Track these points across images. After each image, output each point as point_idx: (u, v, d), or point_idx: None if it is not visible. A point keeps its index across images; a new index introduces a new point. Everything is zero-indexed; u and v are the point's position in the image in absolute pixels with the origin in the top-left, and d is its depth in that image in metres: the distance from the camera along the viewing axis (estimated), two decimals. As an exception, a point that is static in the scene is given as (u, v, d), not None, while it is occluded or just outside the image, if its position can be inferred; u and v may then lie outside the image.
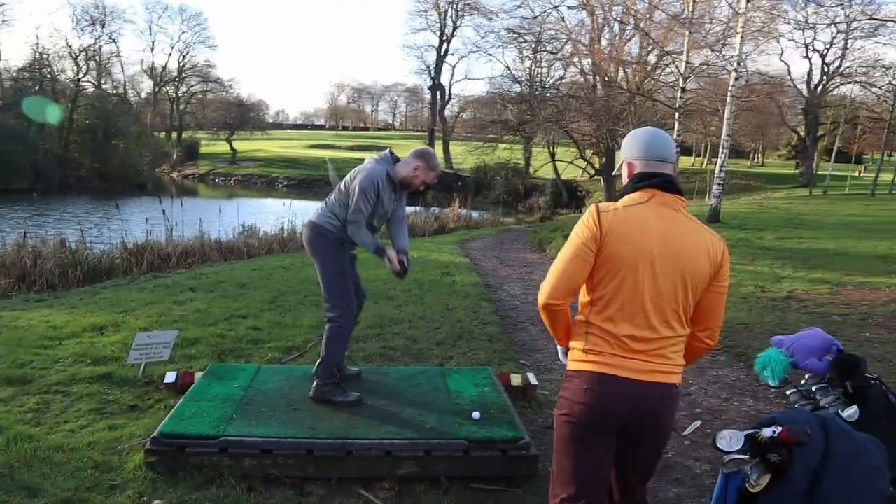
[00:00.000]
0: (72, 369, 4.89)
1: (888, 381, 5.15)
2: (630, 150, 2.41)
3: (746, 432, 2.23)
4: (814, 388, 2.91)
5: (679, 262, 2.20)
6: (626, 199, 2.31)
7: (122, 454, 3.60)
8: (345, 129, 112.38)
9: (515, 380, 4.75)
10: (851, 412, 2.69)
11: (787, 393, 3.03)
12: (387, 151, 4.14)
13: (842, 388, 2.83)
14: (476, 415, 3.85)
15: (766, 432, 2.20)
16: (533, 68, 37.04)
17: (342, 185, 4.07)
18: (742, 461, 2.23)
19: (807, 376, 2.98)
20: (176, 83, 67.07)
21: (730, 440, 2.19)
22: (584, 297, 2.30)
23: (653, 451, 2.35)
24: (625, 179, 2.40)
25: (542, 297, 2.30)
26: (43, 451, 3.55)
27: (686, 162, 51.00)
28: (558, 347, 2.51)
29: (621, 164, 2.45)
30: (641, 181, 2.31)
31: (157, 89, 66.67)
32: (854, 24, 29.81)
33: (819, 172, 35.81)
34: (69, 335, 5.87)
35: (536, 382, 4.83)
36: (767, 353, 2.98)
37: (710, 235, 2.30)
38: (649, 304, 2.19)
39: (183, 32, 66.91)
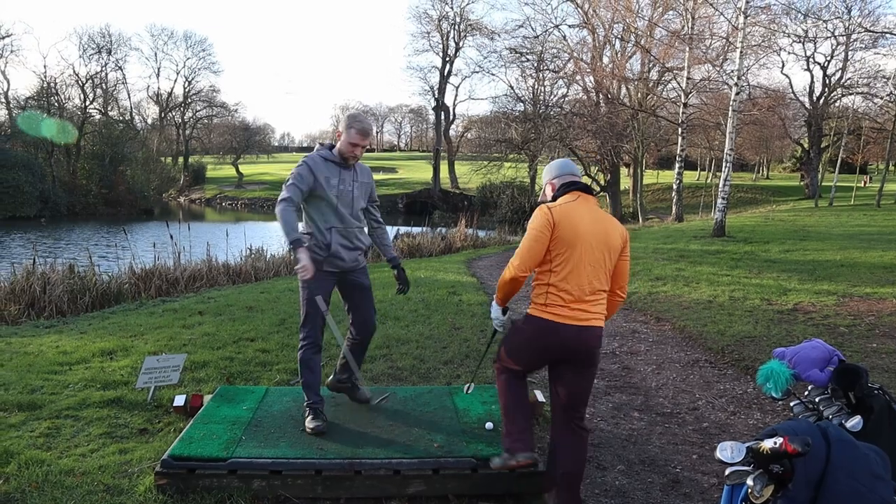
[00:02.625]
0: (82, 394, 4.94)
1: (895, 391, 5.16)
2: (549, 174, 3.48)
3: (748, 444, 2.25)
4: (817, 399, 2.93)
5: (604, 240, 3.19)
6: (561, 200, 3.29)
7: (133, 477, 3.63)
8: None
9: (522, 397, 4.77)
10: (855, 422, 2.70)
11: (791, 405, 3.04)
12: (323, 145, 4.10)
13: (845, 399, 2.84)
14: (489, 425, 3.92)
15: (768, 443, 2.22)
16: (536, 87, 37.30)
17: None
18: (744, 472, 2.25)
19: (810, 388, 2.99)
20: (182, 108, 67.81)
21: (731, 452, 2.21)
22: (542, 268, 3.21)
23: (588, 376, 3.27)
24: (549, 194, 3.43)
25: (513, 271, 3.22)
26: (54, 476, 3.59)
27: (691, 177, 51.05)
28: (498, 308, 3.44)
29: (544, 186, 3.50)
30: (568, 188, 3.33)
31: (163, 115, 67.39)
32: (854, 36, 29.92)
33: (824, 184, 35.77)
34: (79, 360, 5.92)
35: (544, 399, 4.84)
36: (769, 365, 3.00)
37: (617, 222, 3.33)
38: (588, 270, 3.16)
39: (188, 58, 67.97)
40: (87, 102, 52.90)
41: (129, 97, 66.18)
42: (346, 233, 4.02)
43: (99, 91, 56.32)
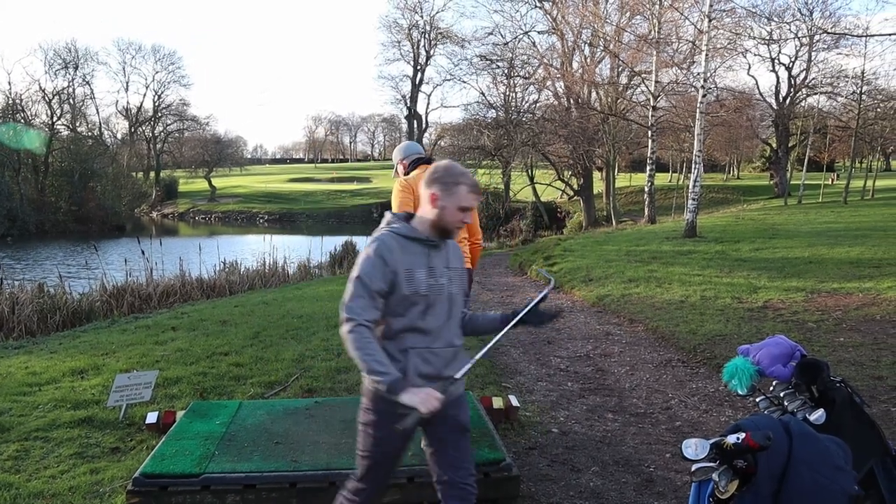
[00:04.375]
0: (51, 415, 4.87)
1: (862, 383, 5.28)
2: (399, 155, 4.37)
3: (712, 440, 2.29)
4: (781, 395, 2.98)
5: None
6: (414, 173, 4.11)
7: (104, 497, 3.59)
8: (324, 161, 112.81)
9: (497, 402, 4.79)
10: (818, 415, 2.75)
11: (757, 400, 3.09)
12: (396, 216, 2.69)
13: (808, 393, 2.89)
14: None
15: (731, 439, 2.26)
16: (507, 93, 37.49)
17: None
18: (710, 469, 2.29)
19: (774, 383, 3.05)
20: (152, 122, 67.15)
21: (695, 449, 2.25)
22: None
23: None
24: (401, 171, 4.22)
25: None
26: (23, 499, 3.53)
27: (663, 179, 51.54)
28: None
29: (396, 165, 4.35)
30: (416, 163, 4.24)
31: (132, 129, 66.65)
32: (816, 37, 30.52)
33: (793, 182, 36.39)
34: (48, 380, 5.84)
35: (518, 404, 4.87)
36: (734, 362, 3.05)
37: None
38: None
39: (157, 72, 67.14)
40: (55, 118, 52.16)
41: (98, 112, 65.48)
42: (434, 357, 2.59)
43: (66, 107, 55.57)
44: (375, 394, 2.54)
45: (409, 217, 2.66)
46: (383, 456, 2.63)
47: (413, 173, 4.16)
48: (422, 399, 2.35)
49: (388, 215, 2.71)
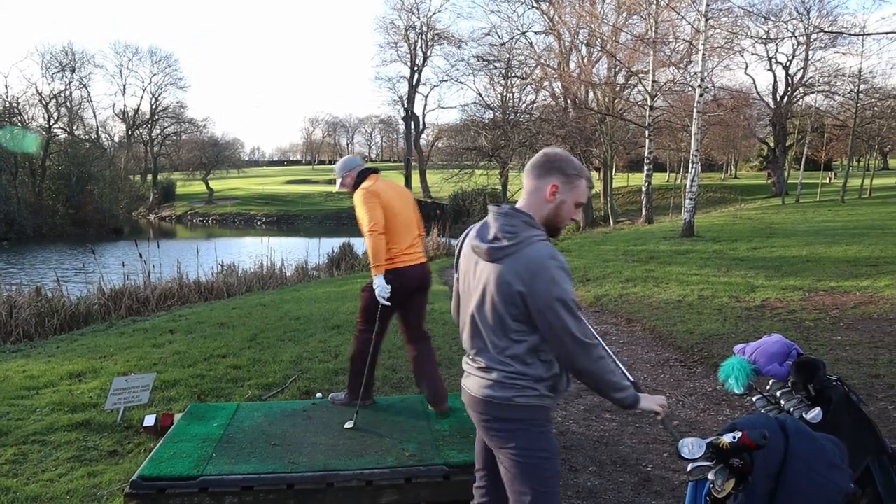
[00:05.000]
0: (49, 418, 4.86)
1: (859, 382, 5.28)
2: (342, 170, 4.43)
3: (708, 440, 2.30)
4: (778, 393, 2.98)
5: (409, 201, 4.42)
6: (367, 181, 4.29)
7: (102, 500, 3.59)
8: (321, 163, 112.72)
9: (495, 403, 4.79)
10: (814, 414, 2.76)
11: (754, 399, 3.10)
12: (506, 206, 2.34)
13: (804, 391, 2.90)
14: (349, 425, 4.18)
15: (727, 438, 2.27)
16: (504, 94, 37.59)
17: (494, 309, 2.27)
18: (706, 468, 2.29)
19: (770, 382, 3.05)
20: (149, 125, 67.09)
21: (691, 448, 2.26)
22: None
23: (424, 301, 4.53)
24: (350, 183, 4.39)
25: (371, 228, 4.09)
26: (21, 503, 3.53)
27: (660, 178, 51.65)
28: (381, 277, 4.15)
29: (342, 180, 4.43)
30: (366, 173, 4.37)
31: (130, 132, 66.62)
32: (813, 36, 30.58)
33: (791, 181, 36.46)
34: (46, 384, 5.83)
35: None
36: (730, 361, 3.05)
37: (404, 187, 4.54)
38: (405, 224, 4.30)
39: (154, 74, 67.18)
40: (52, 122, 52.13)
41: (95, 115, 65.55)
42: None
43: (63, 110, 55.53)
44: (548, 431, 2.39)
45: (521, 210, 2.30)
46: (557, 486, 2.46)
47: (366, 184, 4.29)
48: (658, 403, 2.41)
49: (501, 207, 2.34)
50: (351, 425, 4.12)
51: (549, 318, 2.16)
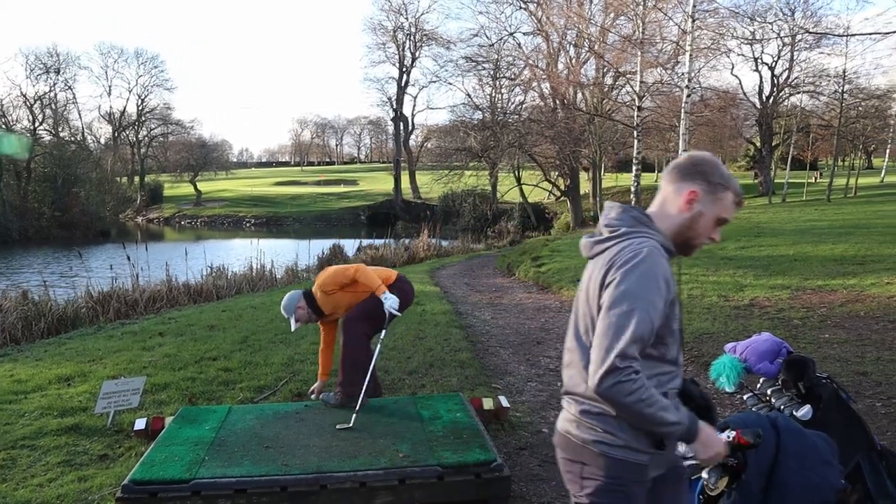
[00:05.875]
0: (38, 423, 4.82)
1: (847, 379, 5.33)
2: (289, 308, 4.64)
3: (701, 438, 2.30)
4: (768, 391, 3.01)
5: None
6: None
7: (93, 505, 3.57)
8: (310, 164, 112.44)
9: (487, 403, 4.81)
10: (805, 411, 2.79)
11: (745, 397, 3.12)
12: (637, 211, 1.99)
13: (794, 389, 2.93)
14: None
15: (722, 437, 2.28)
16: (493, 95, 37.60)
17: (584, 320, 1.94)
18: (699, 467, 2.31)
19: (761, 380, 3.08)
20: (135, 127, 66.65)
21: (685, 446, 2.26)
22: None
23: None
24: (303, 315, 4.66)
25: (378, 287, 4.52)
26: (11, 508, 3.50)
27: (649, 178, 51.79)
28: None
29: (297, 312, 4.63)
30: (308, 294, 4.73)
31: (116, 134, 66.16)
32: (798, 37, 30.79)
33: (777, 181, 36.67)
34: (34, 388, 5.78)
35: (508, 405, 4.89)
36: (721, 359, 3.08)
37: None
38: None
39: (140, 76, 66.74)
40: (37, 123, 51.73)
41: (81, 117, 65.00)
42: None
43: (48, 111, 55.14)
44: (621, 463, 1.86)
45: (641, 209, 1.99)
46: None
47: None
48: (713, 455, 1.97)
49: (617, 207, 2.01)
50: (348, 426, 4.12)
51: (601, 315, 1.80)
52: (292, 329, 4.70)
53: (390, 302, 4.48)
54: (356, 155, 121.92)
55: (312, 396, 4.87)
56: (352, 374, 4.54)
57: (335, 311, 4.74)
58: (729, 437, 2.27)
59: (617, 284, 1.78)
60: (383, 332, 4.67)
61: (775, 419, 2.43)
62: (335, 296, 4.63)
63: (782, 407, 2.89)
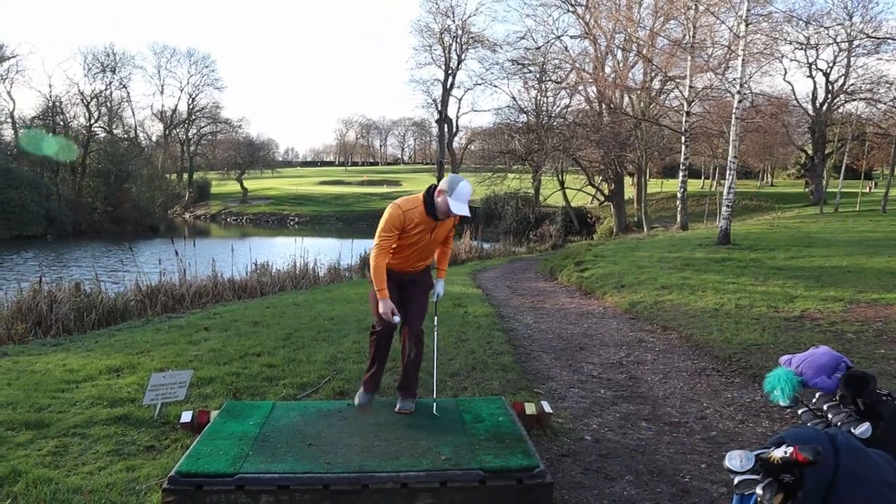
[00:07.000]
0: (89, 412, 4.94)
1: (905, 398, 5.12)
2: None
3: (756, 452, 2.24)
4: (825, 406, 2.90)
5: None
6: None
7: (140, 495, 3.63)
8: (354, 164, 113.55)
9: (530, 408, 4.76)
10: (864, 429, 2.68)
11: (799, 412, 3.02)
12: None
13: (853, 405, 2.82)
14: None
15: (778, 453, 2.20)
16: (538, 98, 37.43)
17: None
18: (754, 481, 2.23)
19: (817, 394, 2.97)
20: (186, 125, 68.23)
21: (740, 461, 2.20)
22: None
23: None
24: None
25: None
26: (62, 494, 3.59)
27: (695, 185, 51.00)
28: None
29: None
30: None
31: (167, 132, 67.86)
32: (856, 43, 29.93)
33: (829, 190, 35.72)
34: (86, 378, 5.93)
35: (551, 411, 4.83)
36: (776, 372, 2.98)
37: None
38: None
39: (191, 75, 68.33)
40: (92, 121, 53.30)
41: (134, 115, 66.81)
42: None
43: (104, 109, 56.80)
44: None
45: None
46: None
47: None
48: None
49: None
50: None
51: None
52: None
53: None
54: (400, 156, 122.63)
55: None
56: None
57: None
58: (786, 452, 2.19)
59: None
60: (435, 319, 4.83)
61: (834, 436, 2.33)
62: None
63: (839, 423, 2.79)
